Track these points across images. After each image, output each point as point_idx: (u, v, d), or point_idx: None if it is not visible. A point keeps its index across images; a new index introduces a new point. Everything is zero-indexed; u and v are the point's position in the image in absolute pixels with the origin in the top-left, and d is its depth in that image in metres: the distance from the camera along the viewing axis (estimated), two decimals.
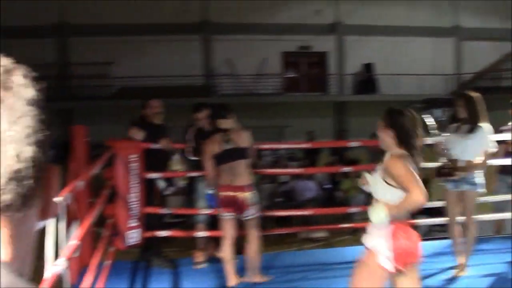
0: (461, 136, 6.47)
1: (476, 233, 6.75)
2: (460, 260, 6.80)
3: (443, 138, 6.52)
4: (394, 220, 4.25)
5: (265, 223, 13.11)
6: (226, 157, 6.47)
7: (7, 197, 0.75)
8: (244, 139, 6.60)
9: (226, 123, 6.58)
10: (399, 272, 4.30)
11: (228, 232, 6.52)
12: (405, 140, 4.44)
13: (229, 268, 6.53)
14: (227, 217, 6.49)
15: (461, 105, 6.50)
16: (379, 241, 4.28)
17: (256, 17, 30.58)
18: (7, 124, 0.75)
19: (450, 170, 6.43)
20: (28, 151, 0.77)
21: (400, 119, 4.49)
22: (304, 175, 14.41)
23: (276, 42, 31.12)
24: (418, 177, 4.24)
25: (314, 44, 32.65)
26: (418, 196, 4.17)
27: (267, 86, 30.80)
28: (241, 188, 6.48)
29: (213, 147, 6.48)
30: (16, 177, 0.75)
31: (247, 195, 6.50)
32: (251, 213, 6.56)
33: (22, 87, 0.80)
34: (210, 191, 6.64)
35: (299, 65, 33.44)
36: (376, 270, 4.30)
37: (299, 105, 30.49)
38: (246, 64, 30.46)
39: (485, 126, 6.48)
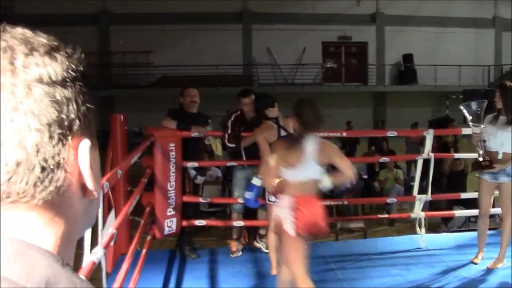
0: (500, 128, 6.40)
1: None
2: (480, 250, 6.78)
3: (481, 129, 6.43)
4: (299, 193, 4.88)
5: None
6: None
7: (17, 187, 0.73)
8: (290, 127, 6.63)
9: (274, 111, 6.64)
10: (302, 237, 4.90)
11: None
12: (308, 128, 4.96)
13: (273, 256, 6.54)
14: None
15: (498, 96, 6.43)
16: (283, 211, 4.91)
17: (297, 7, 30.54)
18: (6, 112, 0.71)
19: (490, 163, 6.37)
20: (32, 137, 0.72)
21: (305, 108, 5.04)
22: None
23: (316, 32, 31.08)
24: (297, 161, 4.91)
25: (354, 35, 32.59)
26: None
27: (306, 76, 30.74)
28: None
29: (267, 134, 6.48)
30: (21, 166, 0.72)
31: None
32: None
33: (26, 68, 0.73)
34: (257, 182, 6.57)
35: (339, 55, 33.34)
36: (289, 236, 4.89)
37: (338, 95, 30.40)
38: (285, 54, 30.48)
39: None
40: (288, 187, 4.93)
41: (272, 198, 6.32)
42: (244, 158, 7.44)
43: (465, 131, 7.16)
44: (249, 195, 6.55)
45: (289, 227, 4.82)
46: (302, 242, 4.91)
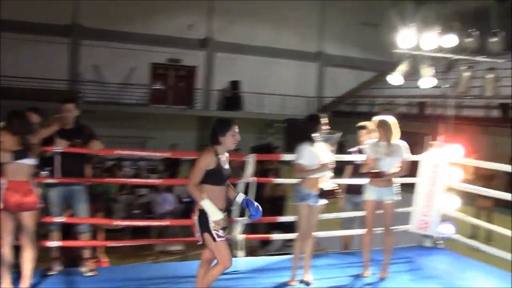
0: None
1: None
2: (293, 272, 7.01)
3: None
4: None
5: (122, 235, 12.98)
6: (225, 177, 5.77)
7: None
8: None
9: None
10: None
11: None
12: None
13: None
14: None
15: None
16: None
17: (128, 26, 30.31)
18: None
19: (334, 189, 6.67)
20: None
21: (18, 121, 6.27)
22: (164, 188, 14.37)
23: (146, 52, 30.99)
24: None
25: (183, 58, 32.78)
26: None
27: (133, 96, 30.51)
28: None
29: (207, 162, 5.64)
30: None
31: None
32: None
33: None
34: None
35: (167, 77, 33.43)
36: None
37: (164, 117, 30.44)
38: (113, 72, 30.09)
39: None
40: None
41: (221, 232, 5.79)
42: (60, 174, 7.20)
43: (286, 157, 7.37)
44: None
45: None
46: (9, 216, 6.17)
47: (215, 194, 5.60)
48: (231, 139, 5.76)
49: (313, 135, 6.67)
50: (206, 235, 5.56)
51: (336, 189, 6.72)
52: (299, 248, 6.98)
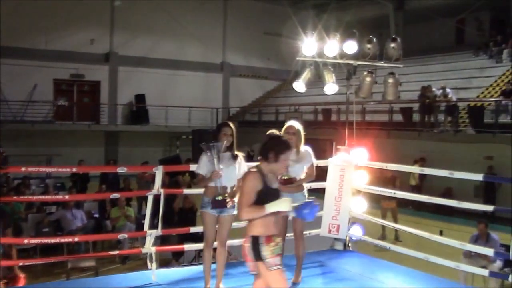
0: (226, 164, 6.76)
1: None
2: (207, 281, 7.03)
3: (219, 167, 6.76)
4: None
5: (32, 254, 12.72)
6: (273, 198, 5.13)
7: None
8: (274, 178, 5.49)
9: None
10: None
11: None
12: None
13: None
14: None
15: (229, 134, 6.84)
16: None
17: (28, 42, 29.71)
18: None
19: (225, 199, 6.65)
20: None
21: None
22: (73, 205, 14.17)
23: (48, 69, 30.44)
24: None
25: (87, 73, 32.48)
26: None
27: (37, 114, 29.86)
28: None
29: (255, 183, 5.13)
30: None
31: None
32: None
33: None
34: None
35: (71, 93, 32.95)
36: None
37: (69, 134, 29.99)
38: (15, 90, 29.33)
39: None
40: None
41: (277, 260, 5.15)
42: None
43: (193, 168, 7.39)
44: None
45: None
46: None
47: (265, 218, 5.01)
48: (282, 164, 5.27)
49: (210, 144, 6.65)
50: (261, 264, 5.02)
51: (226, 199, 6.66)
52: (208, 257, 7.00)
